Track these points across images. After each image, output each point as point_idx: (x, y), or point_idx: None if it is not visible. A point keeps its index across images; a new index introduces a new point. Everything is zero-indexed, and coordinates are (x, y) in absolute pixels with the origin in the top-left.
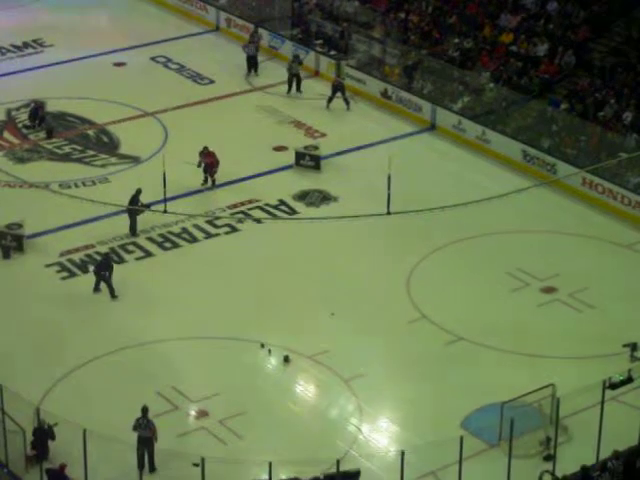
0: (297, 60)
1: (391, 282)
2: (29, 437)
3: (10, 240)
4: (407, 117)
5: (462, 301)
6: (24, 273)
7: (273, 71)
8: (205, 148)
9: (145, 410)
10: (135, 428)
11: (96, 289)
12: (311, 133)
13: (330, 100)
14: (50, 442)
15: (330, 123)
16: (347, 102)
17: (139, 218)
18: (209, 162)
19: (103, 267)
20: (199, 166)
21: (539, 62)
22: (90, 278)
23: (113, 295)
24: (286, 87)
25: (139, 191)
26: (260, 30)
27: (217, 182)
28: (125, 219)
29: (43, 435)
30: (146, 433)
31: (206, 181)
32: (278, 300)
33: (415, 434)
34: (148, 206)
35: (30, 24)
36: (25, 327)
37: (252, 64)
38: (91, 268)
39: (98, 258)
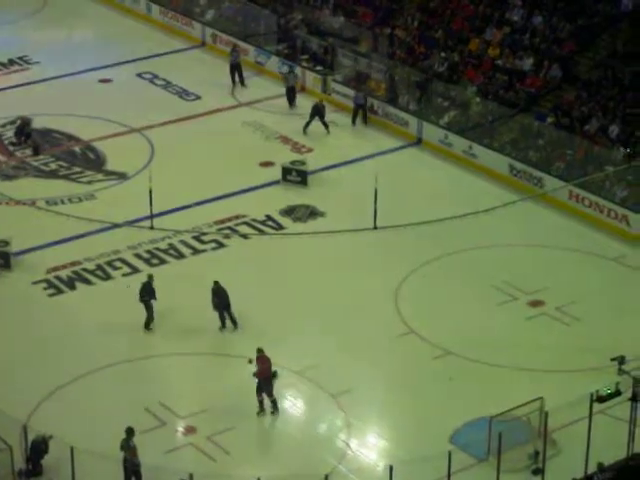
0: (363, 94)
1: (379, 297)
2: (16, 455)
3: None
4: (393, 132)
5: (450, 315)
6: (11, 290)
7: (259, 87)
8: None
9: (128, 432)
10: (121, 448)
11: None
12: (298, 148)
13: (307, 124)
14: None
15: (317, 138)
16: (326, 126)
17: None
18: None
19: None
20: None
21: (525, 76)
22: (77, 294)
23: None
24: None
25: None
26: (246, 46)
27: (203, 198)
28: (111, 234)
29: (39, 451)
30: (129, 454)
31: None
32: (265, 315)
33: (404, 449)
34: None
35: (16, 41)
36: (12, 344)
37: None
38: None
39: (85, 275)
